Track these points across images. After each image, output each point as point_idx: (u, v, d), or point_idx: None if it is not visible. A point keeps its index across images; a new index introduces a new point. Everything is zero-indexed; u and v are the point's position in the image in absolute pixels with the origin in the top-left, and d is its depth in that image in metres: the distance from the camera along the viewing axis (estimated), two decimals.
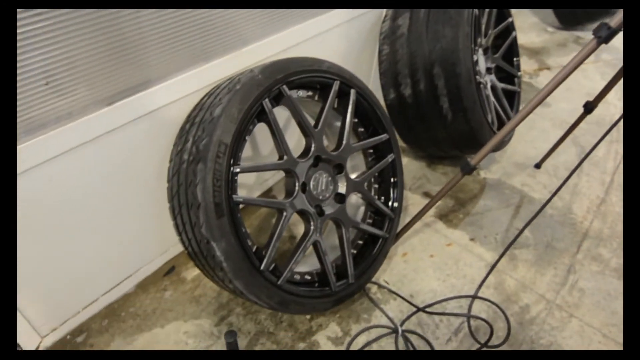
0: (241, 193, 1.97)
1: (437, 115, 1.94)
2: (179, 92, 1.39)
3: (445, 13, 1.83)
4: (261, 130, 1.72)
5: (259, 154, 1.92)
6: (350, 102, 1.52)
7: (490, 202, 2.25)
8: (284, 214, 1.33)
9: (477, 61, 2.07)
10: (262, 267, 1.27)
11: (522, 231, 1.98)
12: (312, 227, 1.41)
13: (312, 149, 1.42)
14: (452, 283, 1.83)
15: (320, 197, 1.46)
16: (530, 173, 2.44)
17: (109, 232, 1.48)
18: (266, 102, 1.29)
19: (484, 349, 1.59)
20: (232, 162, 1.22)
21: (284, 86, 1.32)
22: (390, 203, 1.70)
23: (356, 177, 1.57)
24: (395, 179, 1.69)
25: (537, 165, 2.46)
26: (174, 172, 1.30)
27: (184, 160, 1.26)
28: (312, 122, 1.43)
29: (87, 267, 1.46)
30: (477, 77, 1.92)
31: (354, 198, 1.56)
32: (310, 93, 1.50)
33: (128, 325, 1.58)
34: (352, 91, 1.53)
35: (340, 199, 1.52)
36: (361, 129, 1.67)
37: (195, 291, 1.70)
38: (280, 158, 1.35)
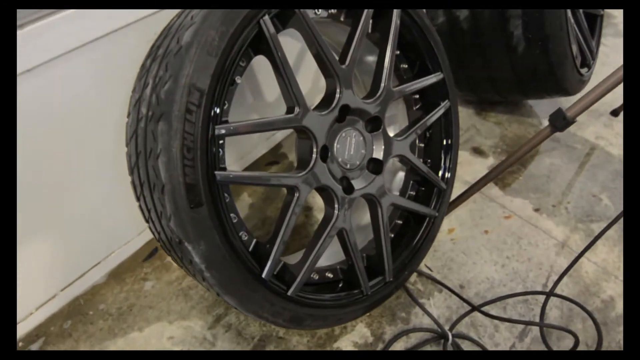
0: (234, 158, 1.53)
1: (503, 45, 1.43)
2: None
3: None
4: (262, 65, 1.25)
5: (262, 101, 1.46)
6: (393, 25, 1.03)
7: (558, 160, 1.77)
8: (296, 194, 0.90)
9: None
10: (263, 275, 0.86)
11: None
12: (336, 211, 0.98)
13: (337, 95, 0.95)
14: (513, 269, 1.42)
15: (348, 166, 1.02)
16: (606, 122, 1.93)
17: (66, 204, 1.08)
18: (265, 22, 0.81)
19: None
20: (212, 119, 0.78)
21: None
22: (441, 171, 1.24)
23: (397, 136, 1.11)
24: (450, 140, 1.22)
25: (614, 112, 1.95)
26: (132, 133, 0.86)
27: (142, 115, 0.82)
28: (336, 56, 0.96)
29: (39, 253, 1.08)
30: None
31: (389, 162, 1.12)
32: (333, 11, 1.01)
33: (97, 327, 1.22)
34: (396, 11, 1.03)
35: (376, 167, 1.07)
36: (404, 66, 1.19)
37: (183, 282, 1.33)
38: (290, 110, 0.90)
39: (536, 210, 1.60)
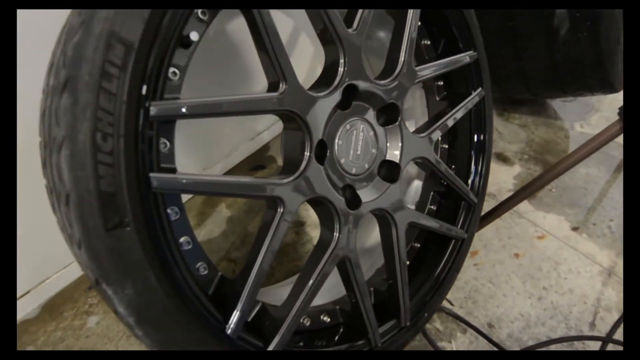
0: (203, 161, 1.25)
1: (542, 28, 1.17)
2: None
3: None
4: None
5: (246, 78, 1.18)
6: None
7: (595, 170, 1.51)
8: (280, 210, 0.62)
9: None
10: (228, 331, 0.58)
11: None
12: (336, 233, 0.70)
13: (341, 70, 0.68)
14: (552, 303, 1.14)
15: (354, 171, 0.74)
16: None
17: None
18: None
19: None
20: (147, 89, 0.50)
21: None
22: (470, 179, 0.97)
23: (417, 132, 0.84)
24: (483, 136, 0.95)
25: None
26: (40, 116, 0.58)
27: (49, 86, 0.54)
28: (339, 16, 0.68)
29: None
30: None
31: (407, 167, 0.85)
32: None
33: None
34: None
35: (391, 172, 0.80)
36: (426, 42, 0.92)
37: None
38: (273, 88, 0.62)
39: (574, 229, 1.33)
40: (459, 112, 0.89)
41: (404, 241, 0.81)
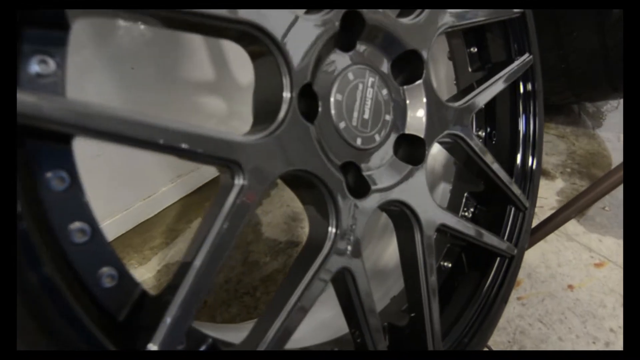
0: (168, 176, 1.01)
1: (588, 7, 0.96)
2: None
3: None
4: None
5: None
6: None
7: None
8: (237, 181, 0.38)
9: None
10: None
11: None
12: (332, 229, 0.46)
13: None
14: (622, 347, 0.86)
15: (359, 143, 0.51)
16: None
17: None
18: None
19: None
20: None
21: None
22: (516, 175, 0.72)
23: (449, 100, 0.60)
24: (533, 120, 0.72)
25: None
26: None
27: None
28: None
29: None
30: None
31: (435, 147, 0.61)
32: None
33: None
34: None
35: (413, 151, 0.56)
36: None
37: None
38: None
39: None
40: (499, 83, 0.66)
41: (433, 253, 0.56)
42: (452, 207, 0.75)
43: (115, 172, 0.91)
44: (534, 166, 0.73)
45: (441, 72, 0.79)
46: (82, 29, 0.71)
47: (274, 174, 0.41)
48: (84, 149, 0.81)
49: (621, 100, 1.54)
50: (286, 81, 0.42)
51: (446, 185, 0.79)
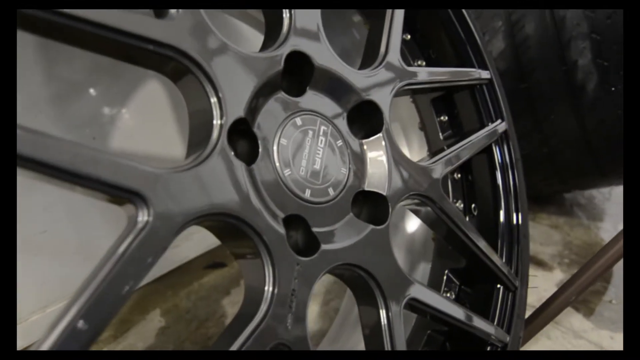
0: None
1: (564, 86, 0.97)
2: None
3: None
4: None
5: None
6: None
7: None
8: (140, 218, 0.31)
9: None
10: None
11: None
12: (269, 286, 0.37)
13: (285, 19, 0.44)
14: None
15: (308, 195, 0.44)
16: None
17: None
18: None
19: None
20: None
21: None
22: (500, 249, 0.65)
23: (421, 160, 0.55)
24: (516, 188, 0.66)
25: None
26: None
27: None
28: None
29: None
30: None
31: (400, 207, 0.54)
32: None
33: None
34: None
35: (374, 209, 0.49)
36: (420, 63, 0.69)
37: None
38: (160, 14, 0.37)
39: None
40: (470, 147, 0.62)
41: (402, 334, 0.46)
42: (433, 287, 0.65)
43: (66, 252, 0.83)
44: (521, 241, 0.65)
45: (414, 143, 0.76)
46: (38, 92, 0.69)
47: (189, 214, 0.34)
48: (26, 225, 0.74)
49: (612, 189, 1.50)
50: (216, 110, 0.37)
51: (426, 265, 0.71)
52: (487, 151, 0.68)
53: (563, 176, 1.15)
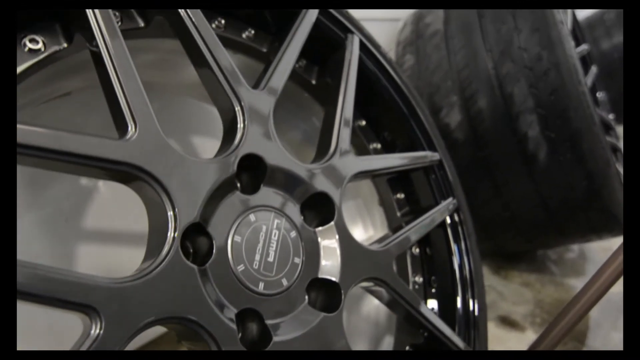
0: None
1: (518, 155, 1.03)
2: None
3: None
4: None
5: None
6: (350, 58, 0.63)
7: None
8: (93, 332, 0.34)
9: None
10: None
11: None
12: None
13: (240, 126, 0.49)
14: None
15: (261, 288, 0.47)
16: None
17: None
18: None
19: None
20: None
21: None
22: (458, 327, 0.67)
23: (372, 244, 0.59)
24: (469, 260, 0.70)
25: None
26: None
27: None
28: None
29: None
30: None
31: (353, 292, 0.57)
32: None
33: None
34: (354, 38, 0.65)
35: (326, 296, 0.52)
36: (375, 146, 0.75)
37: None
38: (121, 133, 0.41)
39: None
40: (423, 225, 0.66)
41: None
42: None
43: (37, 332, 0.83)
44: (477, 312, 0.68)
45: (377, 219, 0.80)
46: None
47: (140, 322, 0.36)
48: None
49: (581, 246, 1.55)
50: (170, 222, 0.40)
51: (391, 339, 0.72)
52: (442, 226, 0.72)
53: (527, 236, 1.20)
